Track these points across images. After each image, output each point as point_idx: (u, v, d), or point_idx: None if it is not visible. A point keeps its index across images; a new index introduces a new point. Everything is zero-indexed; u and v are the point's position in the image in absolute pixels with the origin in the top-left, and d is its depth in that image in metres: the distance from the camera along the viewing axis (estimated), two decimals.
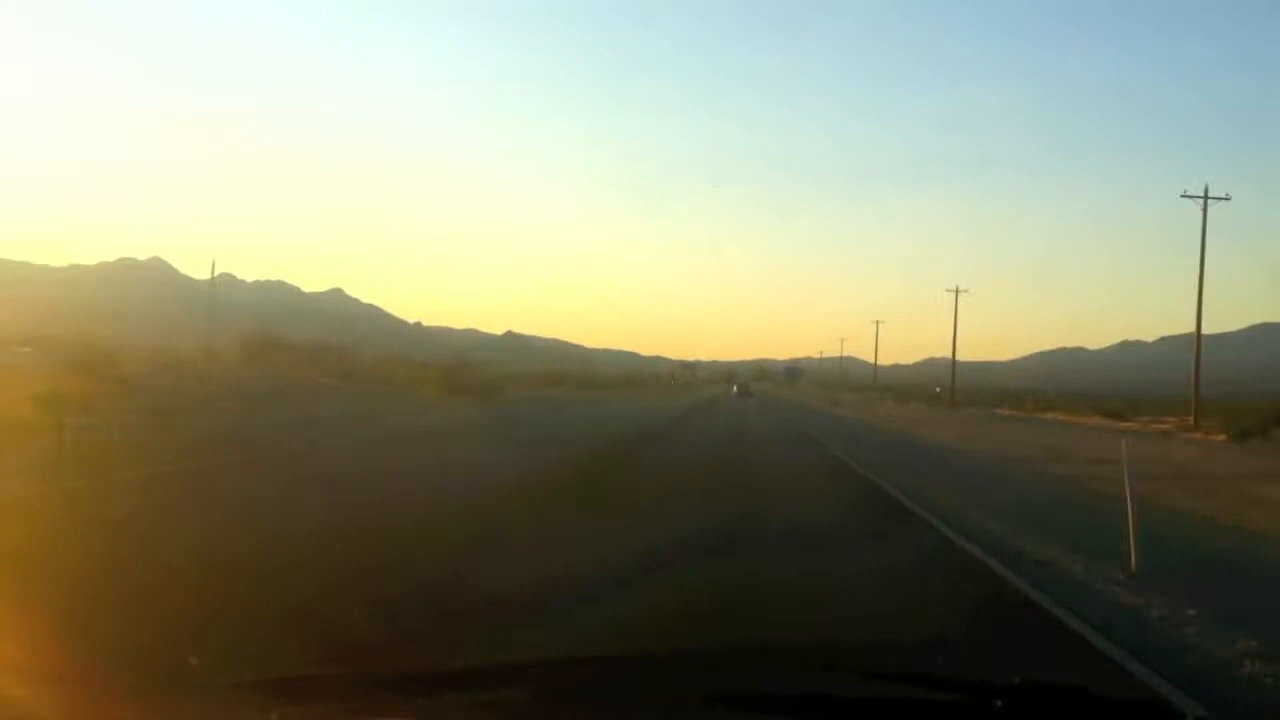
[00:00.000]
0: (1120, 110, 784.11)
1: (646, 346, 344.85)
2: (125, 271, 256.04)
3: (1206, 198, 50.02)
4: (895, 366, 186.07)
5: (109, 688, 2.19)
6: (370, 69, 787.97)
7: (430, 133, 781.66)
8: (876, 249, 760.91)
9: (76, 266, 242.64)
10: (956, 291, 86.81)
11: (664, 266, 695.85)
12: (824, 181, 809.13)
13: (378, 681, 2.13)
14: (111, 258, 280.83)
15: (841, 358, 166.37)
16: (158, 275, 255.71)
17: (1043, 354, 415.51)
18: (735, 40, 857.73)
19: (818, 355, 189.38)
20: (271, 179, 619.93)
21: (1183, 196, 50.87)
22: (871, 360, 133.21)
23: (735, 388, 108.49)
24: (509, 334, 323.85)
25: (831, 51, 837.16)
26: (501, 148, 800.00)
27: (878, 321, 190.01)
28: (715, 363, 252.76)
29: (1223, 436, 36.73)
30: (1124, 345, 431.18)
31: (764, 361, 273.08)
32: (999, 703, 2.03)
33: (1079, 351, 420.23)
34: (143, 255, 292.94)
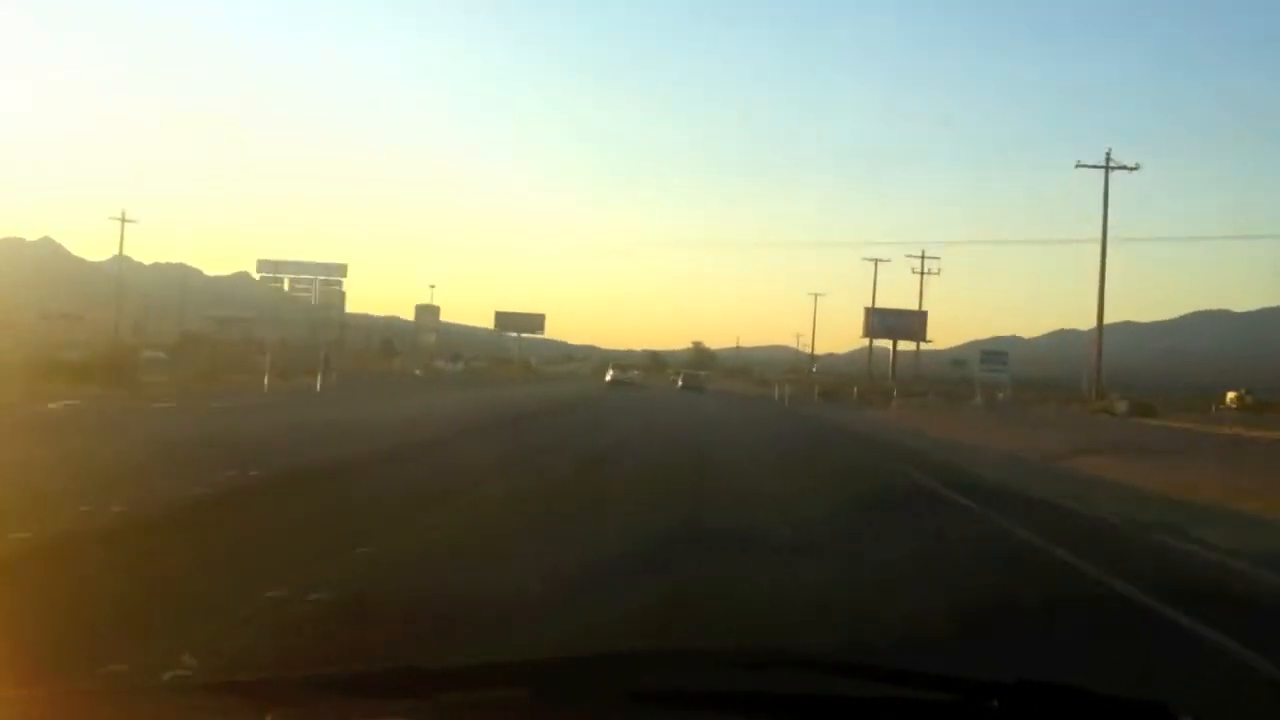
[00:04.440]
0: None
1: (577, 336, 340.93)
2: (10, 251, 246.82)
3: (1108, 167, 50.06)
4: (830, 355, 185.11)
5: (105, 687, 2.22)
6: (294, 44, 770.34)
7: (354, 113, 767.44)
8: (801, 236, 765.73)
9: None
10: (875, 262, 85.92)
11: (592, 256, 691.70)
12: (758, 169, 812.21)
13: (376, 681, 2.18)
14: None
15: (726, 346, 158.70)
16: (47, 256, 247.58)
17: (977, 342, 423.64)
18: (676, 26, 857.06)
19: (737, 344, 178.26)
20: (180, 159, 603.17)
21: (1078, 166, 50.79)
22: (803, 349, 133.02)
23: (680, 380, 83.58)
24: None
25: (762, 41, 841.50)
26: (431, 132, 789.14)
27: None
28: (645, 351, 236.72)
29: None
30: (1059, 334, 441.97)
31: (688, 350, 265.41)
32: (995, 703, 2.12)
33: (1013, 340, 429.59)
34: (32, 235, 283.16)
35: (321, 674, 2.20)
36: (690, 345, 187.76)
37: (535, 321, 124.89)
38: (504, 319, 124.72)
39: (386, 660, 2.75)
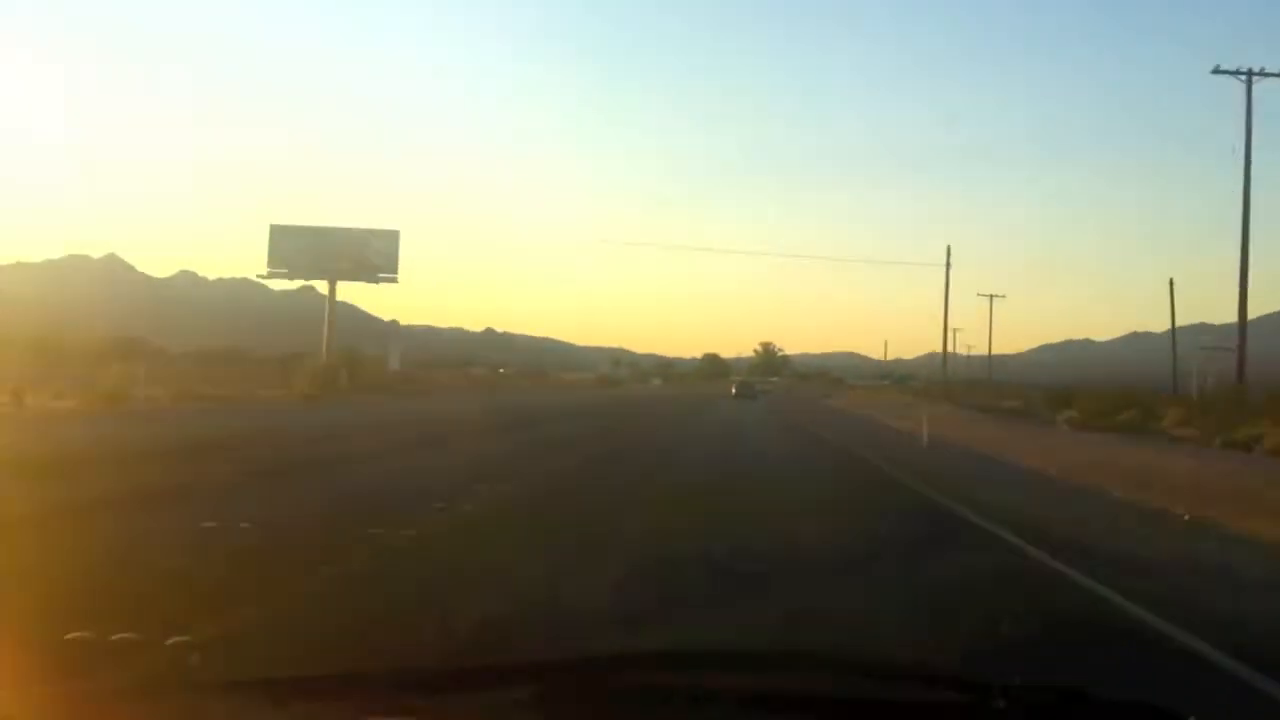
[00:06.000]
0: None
1: (640, 344, 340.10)
2: (76, 268, 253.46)
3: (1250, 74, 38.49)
4: (897, 361, 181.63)
5: (106, 688, 2.29)
6: (345, 54, 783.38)
7: (403, 128, 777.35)
8: (862, 246, 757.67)
9: (21, 264, 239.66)
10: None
11: (653, 265, 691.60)
12: (823, 177, 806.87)
13: (378, 681, 2.23)
14: (59, 254, 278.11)
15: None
16: (112, 273, 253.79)
17: (1050, 346, 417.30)
18: (715, 34, 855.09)
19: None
20: (237, 174, 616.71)
21: (1213, 72, 38.80)
22: (874, 355, 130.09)
23: (734, 389, 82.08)
24: (489, 331, 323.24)
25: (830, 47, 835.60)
26: (479, 140, 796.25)
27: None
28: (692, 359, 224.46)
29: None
30: (1133, 336, 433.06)
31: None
32: (1000, 704, 2.10)
33: (1086, 344, 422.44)
34: (97, 252, 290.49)
35: (322, 674, 2.25)
36: (759, 347, 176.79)
37: (370, 258, 61.91)
38: (279, 237, 61.55)
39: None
